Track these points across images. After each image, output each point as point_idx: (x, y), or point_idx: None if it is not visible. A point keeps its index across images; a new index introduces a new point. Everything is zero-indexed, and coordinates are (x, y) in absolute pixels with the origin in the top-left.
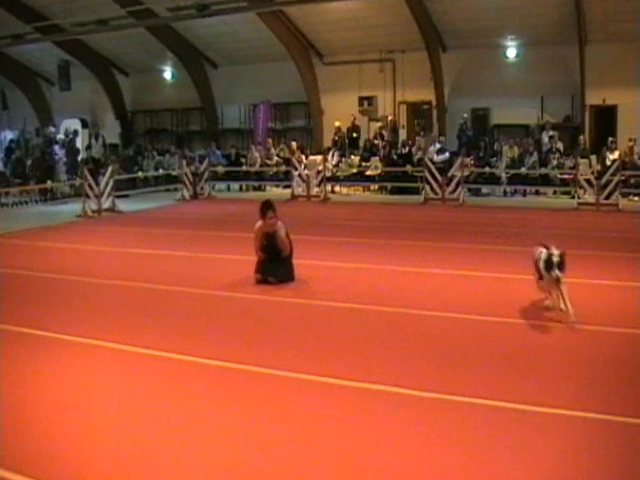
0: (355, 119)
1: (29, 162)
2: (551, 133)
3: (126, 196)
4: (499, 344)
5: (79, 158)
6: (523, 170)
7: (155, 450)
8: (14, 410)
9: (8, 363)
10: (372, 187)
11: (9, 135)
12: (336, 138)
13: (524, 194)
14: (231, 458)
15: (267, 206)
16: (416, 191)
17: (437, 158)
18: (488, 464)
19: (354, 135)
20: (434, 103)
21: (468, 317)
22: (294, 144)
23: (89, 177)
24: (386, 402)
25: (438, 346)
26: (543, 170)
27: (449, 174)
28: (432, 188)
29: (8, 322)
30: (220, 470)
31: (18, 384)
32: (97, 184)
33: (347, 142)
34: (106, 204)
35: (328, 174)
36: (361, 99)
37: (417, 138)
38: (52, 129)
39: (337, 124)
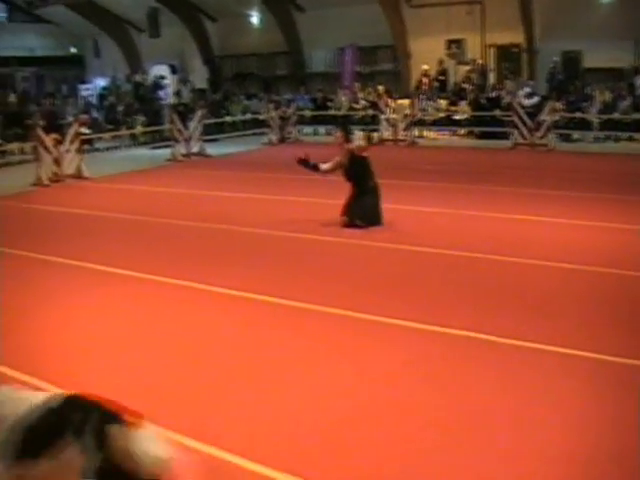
0: (443, 62)
1: (120, 108)
2: None
3: (214, 140)
4: (594, 292)
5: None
6: (616, 115)
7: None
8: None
9: (101, 300)
10: (460, 131)
11: (101, 82)
12: (424, 81)
13: (616, 140)
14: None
15: (349, 128)
16: (504, 136)
17: (526, 102)
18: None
19: (441, 78)
20: (524, 46)
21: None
22: (381, 88)
23: (178, 122)
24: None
25: (531, 294)
26: (636, 115)
27: (538, 119)
28: (521, 133)
29: (96, 261)
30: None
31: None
32: (186, 128)
33: (435, 86)
34: (195, 148)
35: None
36: (449, 42)
37: (506, 82)
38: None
39: (425, 67)
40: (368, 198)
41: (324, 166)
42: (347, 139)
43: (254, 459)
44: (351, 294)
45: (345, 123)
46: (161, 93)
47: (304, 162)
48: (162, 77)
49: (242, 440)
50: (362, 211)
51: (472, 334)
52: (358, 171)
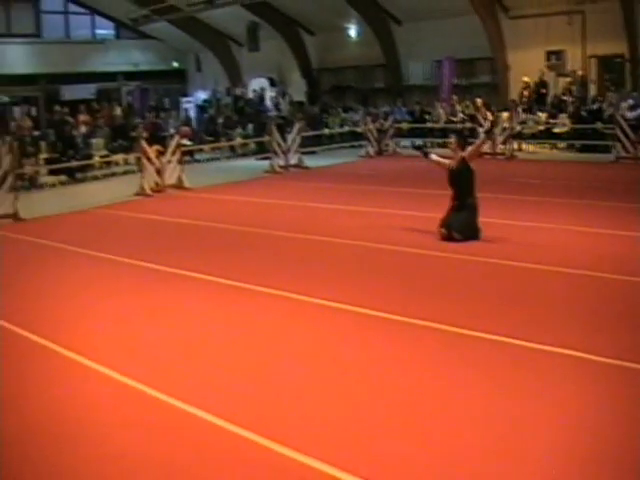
0: (543, 74)
1: (220, 120)
2: None
3: (312, 152)
4: None
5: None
6: None
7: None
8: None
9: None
10: (559, 145)
11: (202, 95)
12: (525, 93)
13: None
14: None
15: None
16: (606, 149)
17: (629, 115)
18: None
19: (542, 91)
20: (627, 56)
21: None
22: (479, 100)
23: (277, 134)
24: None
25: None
26: None
27: None
28: (624, 146)
29: (194, 269)
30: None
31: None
32: (284, 141)
33: (535, 98)
34: (293, 160)
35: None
36: (548, 53)
37: (608, 94)
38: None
39: (525, 79)
40: (467, 212)
41: (434, 156)
42: (461, 146)
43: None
44: (457, 309)
45: (462, 131)
46: (267, 105)
47: (419, 147)
48: (263, 89)
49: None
50: (461, 225)
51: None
52: (462, 182)
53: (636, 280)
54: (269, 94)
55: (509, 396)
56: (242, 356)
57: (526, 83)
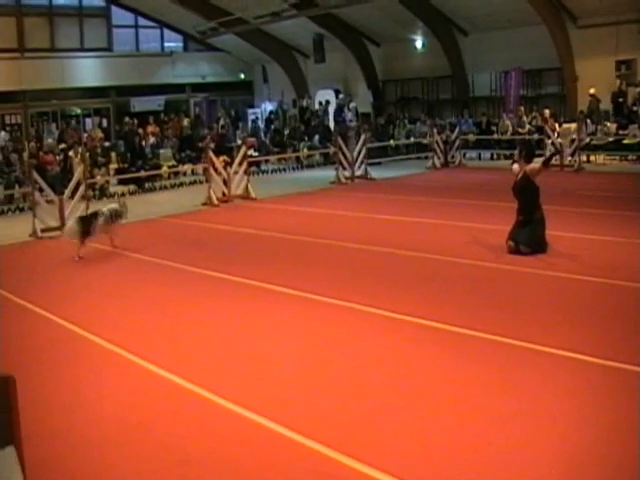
0: (622, 83)
1: (286, 131)
2: None
3: (378, 164)
4: None
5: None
6: None
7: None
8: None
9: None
10: (630, 156)
11: (269, 106)
12: (591, 107)
13: None
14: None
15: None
16: None
17: None
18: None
19: (620, 100)
20: None
21: None
22: (547, 112)
23: (343, 145)
24: None
25: None
26: None
27: None
28: None
29: (260, 279)
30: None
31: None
32: (350, 152)
33: (612, 107)
34: (359, 171)
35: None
36: (618, 63)
37: None
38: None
39: (592, 91)
40: (534, 225)
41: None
42: (527, 159)
43: None
44: (526, 324)
45: (529, 142)
46: (349, 115)
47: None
48: (327, 102)
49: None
50: (527, 238)
51: None
52: (526, 196)
53: None
54: (352, 104)
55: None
56: (309, 367)
57: (592, 95)
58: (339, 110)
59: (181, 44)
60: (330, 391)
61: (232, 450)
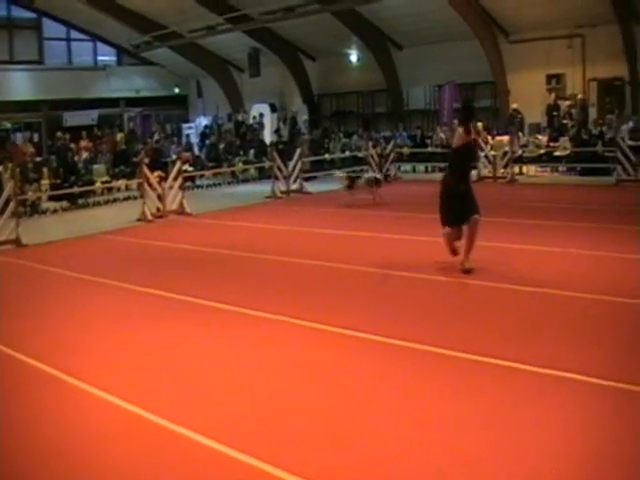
0: (557, 97)
1: (222, 146)
2: None
3: (314, 178)
4: None
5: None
6: None
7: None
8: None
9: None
10: (561, 168)
11: (204, 121)
12: (515, 120)
13: None
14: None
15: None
16: (607, 172)
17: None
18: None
19: (554, 113)
20: (627, 79)
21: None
22: (480, 124)
23: (278, 159)
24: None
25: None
26: None
27: None
28: (624, 169)
29: (195, 295)
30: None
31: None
32: (286, 166)
33: (546, 120)
34: (294, 185)
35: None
36: (549, 77)
37: (608, 117)
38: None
39: (514, 106)
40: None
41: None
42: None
43: None
44: (466, 335)
45: (470, 104)
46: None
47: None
48: (261, 115)
49: None
50: (476, 205)
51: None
52: (471, 157)
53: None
54: (304, 117)
55: (506, 424)
56: (255, 385)
57: (515, 110)
58: (293, 123)
59: (115, 57)
60: (278, 410)
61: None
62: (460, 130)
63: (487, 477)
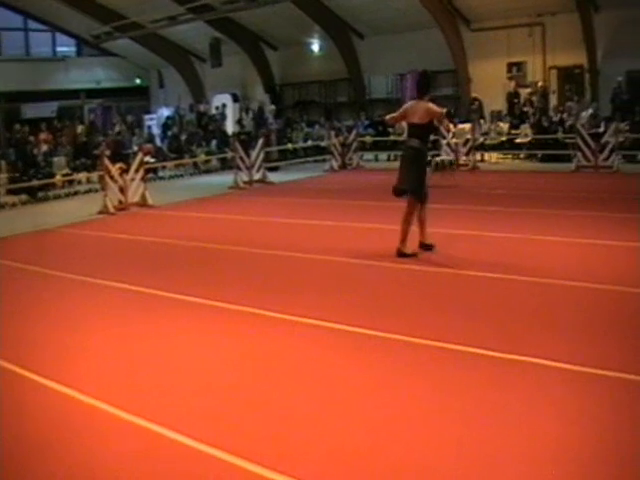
0: (516, 85)
1: (183, 137)
2: None
3: (276, 168)
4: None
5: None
6: None
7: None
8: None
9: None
10: (522, 155)
11: (165, 112)
12: (473, 108)
13: None
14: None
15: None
16: (567, 159)
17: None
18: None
19: (515, 101)
20: (586, 67)
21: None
22: (444, 110)
23: (240, 149)
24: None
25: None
26: None
27: (602, 140)
28: (584, 155)
29: (160, 287)
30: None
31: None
32: (248, 156)
33: (506, 107)
34: (257, 176)
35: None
36: (510, 65)
37: (568, 104)
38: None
39: (473, 95)
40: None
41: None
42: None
43: None
44: (412, 320)
45: (426, 73)
46: (269, 118)
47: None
48: (224, 105)
49: None
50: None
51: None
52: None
53: (600, 287)
54: (271, 107)
55: (463, 405)
56: (222, 378)
57: (474, 98)
58: (260, 113)
59: (74, 48)
60: (255, 404)
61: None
62: (428, 103)
63: (476, 474)
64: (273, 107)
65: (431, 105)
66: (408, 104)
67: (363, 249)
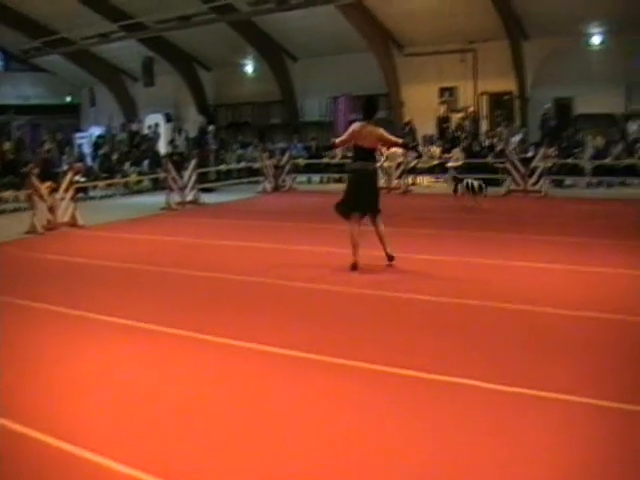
0: (447, 109)
1: (115, 156)
2: (638, 122)
3: (209, 189)
4: (572, 334)
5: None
6: (608, 161)
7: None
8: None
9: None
10: None
11: (97, 131)
12: (405, 132)
13: (609, 185)
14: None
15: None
16: (498, 183)
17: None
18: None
19: (445, 125)
20: (516, 93)
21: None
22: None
23: (173, 170)
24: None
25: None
26: (629, 160)
27: (531, 165)
28: (514, 179)
29: (89, 309)
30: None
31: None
32: (181, 177)
33: (437, 132)
34: (189, 197)
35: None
36: (442, 90)
37: (498, 129)
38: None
39: (407, 119)
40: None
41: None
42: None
43: None
44: (350, 342)
45: (371, 98)
46: (208, 137)
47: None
48: (156, 125)
49: None
50: (368, 199)
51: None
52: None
53: (518, 308)
54: (211, 128)
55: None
56: (156, 401)
57: (407, 122)
58: (201, 134)
59: (1, 62)
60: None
61: None
62: (378, 129)
63: None
64: (212, 127)
65: (383, 132)
66: (356, 127)
67: (293, 271)
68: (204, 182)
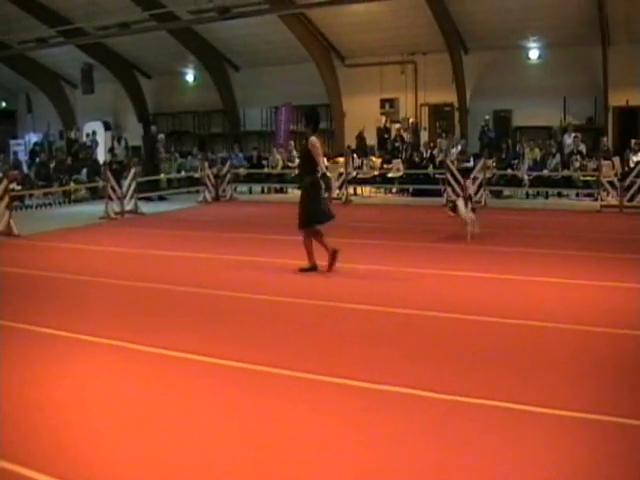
0: (387, 120)
1: (52, 164)
2: (574, 135)
3: (149, 198)
4: (502, 343)
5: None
6: (545, 172)
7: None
8: (22, 408)
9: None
10: (394, 189)
11: (33, 138)
12: (357, 141)
13: (546, 196)
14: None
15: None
16: (438, 193)
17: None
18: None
19: (385, 136)
20: (456, 105)
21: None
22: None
23: (112, 179)
24: (398, 403)
25: (446, 344)
26: (566, 172)
27: (471, 176)
28: (454, 190)
29: (26, 321)
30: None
31: (25, 382)
32: (120, 186)
33: (377, 142)
34: (129, 206)
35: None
36: (383, 101)
37: (439, 140)
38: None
39: (360, 129)
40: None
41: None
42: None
43: None
44: (297, 355)
45: (314, 110)
46: (159, 146)
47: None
48: (94, 133)
49: None
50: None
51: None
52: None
53: (458, 317)
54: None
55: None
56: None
57: (360, 132)
58: (152, 143)
59: None
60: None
61: None
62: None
63: None
64: (162, 136)
65: (314, 142)
66: (319, 142)
67: (232, 281)
68: (144, 191)
